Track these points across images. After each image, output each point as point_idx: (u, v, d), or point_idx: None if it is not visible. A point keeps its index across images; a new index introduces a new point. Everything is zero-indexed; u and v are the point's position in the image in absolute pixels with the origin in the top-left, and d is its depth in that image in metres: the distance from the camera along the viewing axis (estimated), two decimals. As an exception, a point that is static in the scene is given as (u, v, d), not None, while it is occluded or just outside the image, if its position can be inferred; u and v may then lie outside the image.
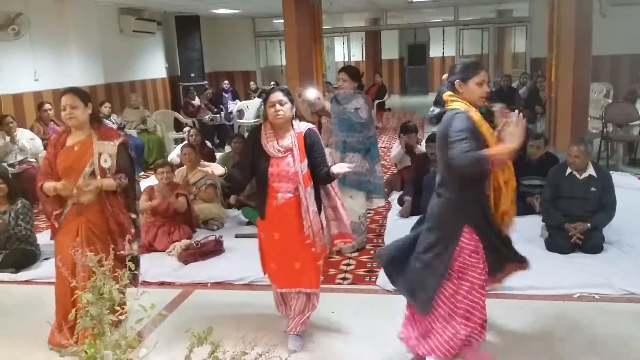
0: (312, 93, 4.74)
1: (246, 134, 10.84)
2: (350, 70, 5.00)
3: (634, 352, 3.22)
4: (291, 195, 3.28)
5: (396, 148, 7.23)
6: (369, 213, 6.23)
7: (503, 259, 2.96)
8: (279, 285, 3.51)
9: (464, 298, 2.81)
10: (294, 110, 3.37)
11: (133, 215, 3.47)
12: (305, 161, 3.30)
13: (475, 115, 2.78)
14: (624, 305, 3.83)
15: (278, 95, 3.27)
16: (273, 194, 3.31)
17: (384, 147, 10.46)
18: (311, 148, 3.33)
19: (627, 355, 3.21)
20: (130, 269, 1.70)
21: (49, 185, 3.26)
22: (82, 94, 3.36)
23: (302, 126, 3.39)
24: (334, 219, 3.52)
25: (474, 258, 2.81)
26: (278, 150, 3.28)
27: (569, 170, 4.74)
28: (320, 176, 3.35)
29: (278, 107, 3.24)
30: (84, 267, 1.87)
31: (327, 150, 4.69)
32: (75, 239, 3.19)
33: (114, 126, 8.73)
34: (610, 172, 6.93)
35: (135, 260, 3.20)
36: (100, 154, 3.30)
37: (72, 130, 3.36)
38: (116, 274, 1.65)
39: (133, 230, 3.44)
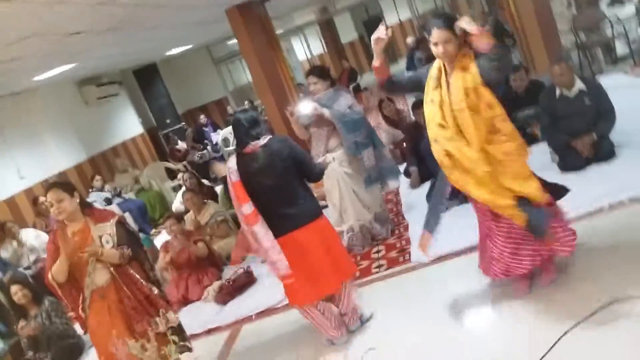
0: (306, 107, 4.55)
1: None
2: (317, 71, 4.88)
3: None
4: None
5: (385, 129, 7.26)
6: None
7: None
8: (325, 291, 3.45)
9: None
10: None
11: (155, 290, 3.34)
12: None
13: (433, 70, 3.01)
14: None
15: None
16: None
17: (375, 126, 10.43)
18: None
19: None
20: (175, 342, 1.68)
21: (55, 267, 3.18)
22: (65, 186, 3.35)
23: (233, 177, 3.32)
24: None
25: None
26: None
27: (558, 91, 4.71)
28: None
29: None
30: (129, 356, 1.84)
31: (328, 156, 4.68)
32: (109, 328, 3.13)
33: (109, 195, 8.75)
34: (597, 78, 6.95)
35: (180, 328, 3.20)
36: (100, 237, 3.27)
37: (67, 223, 3.32)
38: (162, 351, 1.63)
39: (163, 301, 3.37)
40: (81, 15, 4.96)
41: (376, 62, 3.15)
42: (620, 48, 7.92)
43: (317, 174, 3.49)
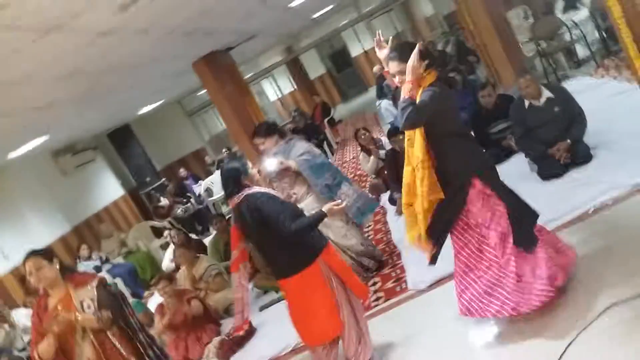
0: (272, 164, 4.50)
1: (223, 210, 10.84)
2: (261, 131, 4.73)
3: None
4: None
5: (364, 160, 7.29)
6: (368, 227, 6.23)
7: None
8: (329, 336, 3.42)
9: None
10: None
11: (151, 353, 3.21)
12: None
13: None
14: (632, 201, 3.82)
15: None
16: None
17: (354, 158, 10.50)
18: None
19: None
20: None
21: (42, 346, 3.03)
22: (43, 253, 3.23)
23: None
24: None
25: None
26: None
27: (527, 102, 4.79)
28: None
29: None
30: None
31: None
32: None
33: (98, 263, 8.62)
34: (563, 83, 7.10)
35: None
36: (82, 302, 3.16)
37: (48, 292, 3.19)
38: None
39: None
40: (47, 90, 4.97)
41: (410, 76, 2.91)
42: (581, 51, 8.12)
43: (287, 234, 3.21)
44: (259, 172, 4.42)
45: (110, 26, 3.94)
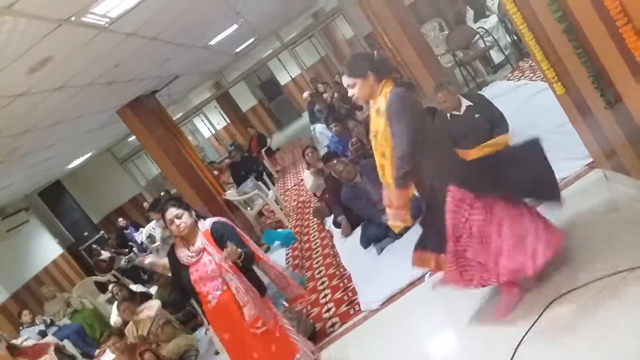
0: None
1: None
2: (156, 205, 4.34)
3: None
4: (220, 292, 3.30)
5: (308, 177, 7.31)
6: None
7: None
8: None
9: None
10: (193, 213, 3.38)
11: None
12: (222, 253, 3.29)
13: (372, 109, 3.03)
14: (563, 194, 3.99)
15: (172, 212, 3.30)
16: (205, 300, 3.33)
17: (295, 185, 10.53)
18: (221, 239, 3.33)
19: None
20: None
21: None
22: None
23: (207, 223, 3.41)
24: (285, 285, 3.61)
25: None
26: (190, 256, 3.31)
27: (448, 114, 4.96)
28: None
29: (177, 221, 3.27)
30: None
31: None
32: None
33: (42, 327, 8.22)
34: (483, 89, 7.40)
35: None
36: None
37: None
38: None
39: None
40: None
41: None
42: (497, 56, 8.51)
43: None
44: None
45: (23, 88, 3.83)
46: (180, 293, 3.46)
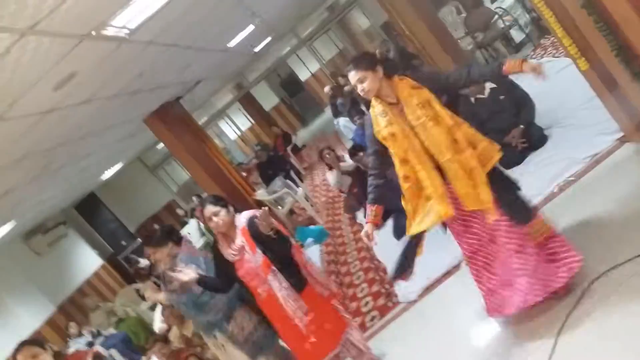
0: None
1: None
2: (151, 240, 3.99)
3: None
4: (267, 285, 3.33)
5: (330, 175, 7.33)
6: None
7: None
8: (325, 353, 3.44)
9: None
10: (232, 209, 3.42)
11: None
12: (258, 251, 3.30)
13: (377, 109, 2.97)
14: (594, 172, 3.92)
15: (209, 209, 3.36)
16: (255, 292, 3.38)
17: (324, 180, 10.54)
18: (257, 236, 3.32)
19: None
20: None
21: None
22: (35, 341, 3.21)
23: (242, 220, 3.41)
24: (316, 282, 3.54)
25: None
26: (233, 254, 3.34)
27: (472, 97, 4.89)
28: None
29: (215, 219, 3.33)
30: None
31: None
32: None
33: (89, 338, 8.42)
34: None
35: None
36: None
37: None
38: None
39: None
40: (2, 179, 4.89)
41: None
42: (517, 35, 8.36)
43: None
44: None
45: (51, 104, 3.92)
46: (223, 281, 3.46)
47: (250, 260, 3.31)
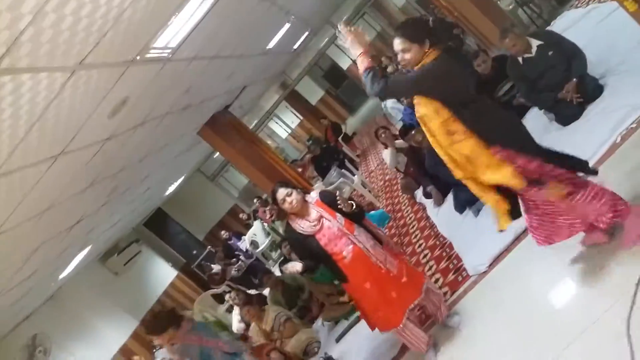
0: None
1: (273, 255, 10.96)
2: (150, 327, 4.16)
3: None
4: (351, 246, 3.58)
5: (387, 156, 7.29)
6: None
7: None
8: (405, 307, 3.63)
9: None
10: (300, 190, 3.71)
11: None
12: (338, 215, 3.61)
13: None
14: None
15: (282, 192, 3.66)
16: (340, 257, 3.59)
17: (378, 165, 10.52)
18: (331, 203, 3.66)
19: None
20: None
21: None
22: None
23: (313, 195, 3.76)
24: (387, 241, 3.83)
25: None
26: (312, 226, 3.61)
27: (519, 58, 4.77)
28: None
29: (288, 199, 3.63)
30: None
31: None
32: None
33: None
34: (551, 24, 7.02)
35: None
36: None
37: None
38: None
39: None
40: (73, 207, 5.17)
41: (357, 50, 3.06)
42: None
43: None
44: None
45: (109, 132, 4.11)
46: (311, 259, 3.72)
47: (331, 226, 3.59)
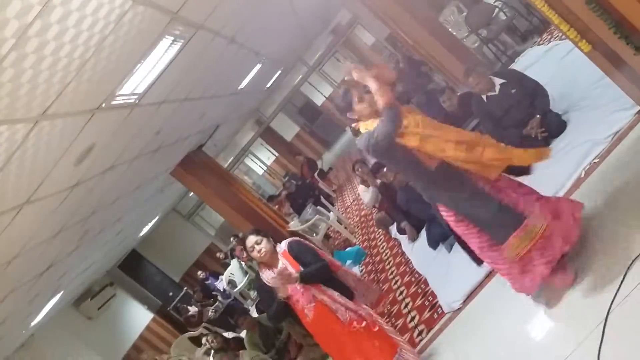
0: None
1: (251, 295, 10.81)
2: None
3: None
4: (313, 304, 3.49)
5: (364, 193, 7.32)
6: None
7: None
8: None
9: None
10: (272, 240, 3.65)
11: None
12: (302, 268, 3.53)
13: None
14: (620, 148, 3.85)
15: (251, 240, 3.60)
16: (302, 314, 3.53)
17: (354, 200, 10.55)
18: (298, 257, 3.57)
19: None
20: None
21: None
22: None
23: (283, 245, 3.67)
24: (365, 288, 3.78)
25: None
26: (275, 277, 3.52)
27: (484, 96, 4.88)
28: None
29: (257, 247, 3.56)
30: None
31: None
32: None
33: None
34: (515, 61, 7.21)
35: None
36: None
37: None
38: None
39: None
40: (42, 256, 5.06)
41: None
42: (522, 24, 8.29)
43: None
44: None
45: (76, 178, 4.06)
46: (275, 312, 3.68)
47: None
